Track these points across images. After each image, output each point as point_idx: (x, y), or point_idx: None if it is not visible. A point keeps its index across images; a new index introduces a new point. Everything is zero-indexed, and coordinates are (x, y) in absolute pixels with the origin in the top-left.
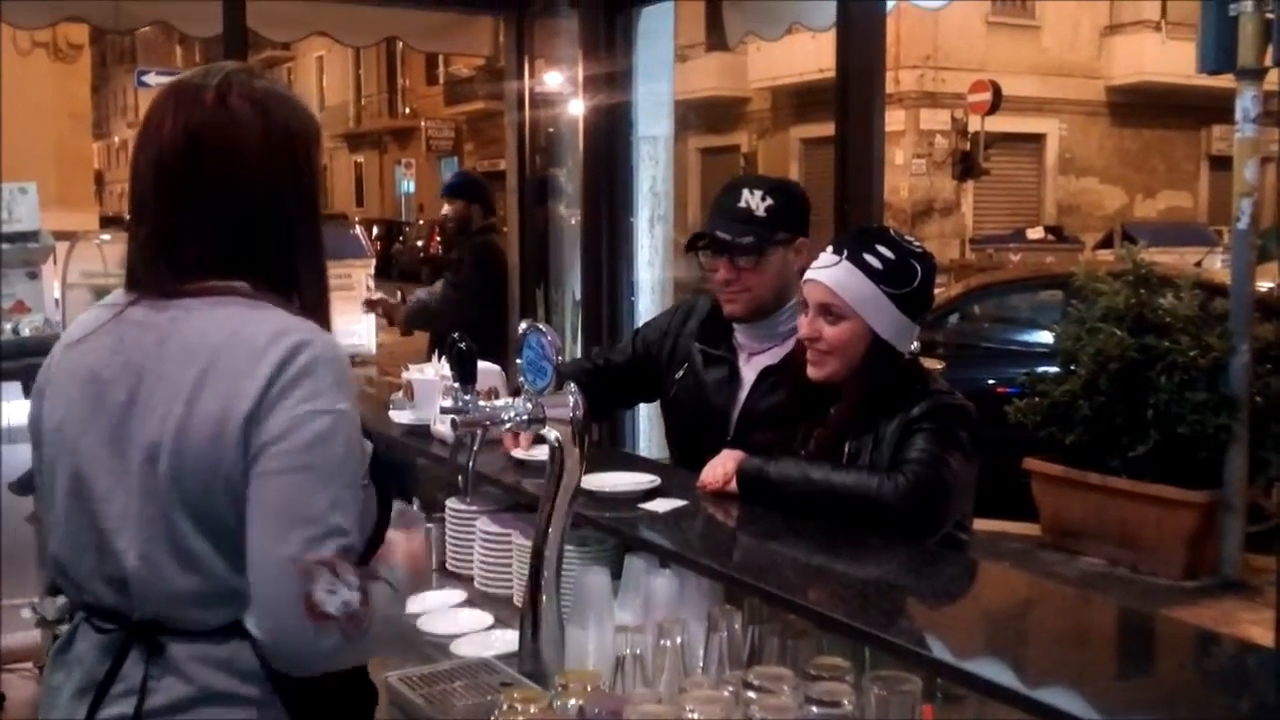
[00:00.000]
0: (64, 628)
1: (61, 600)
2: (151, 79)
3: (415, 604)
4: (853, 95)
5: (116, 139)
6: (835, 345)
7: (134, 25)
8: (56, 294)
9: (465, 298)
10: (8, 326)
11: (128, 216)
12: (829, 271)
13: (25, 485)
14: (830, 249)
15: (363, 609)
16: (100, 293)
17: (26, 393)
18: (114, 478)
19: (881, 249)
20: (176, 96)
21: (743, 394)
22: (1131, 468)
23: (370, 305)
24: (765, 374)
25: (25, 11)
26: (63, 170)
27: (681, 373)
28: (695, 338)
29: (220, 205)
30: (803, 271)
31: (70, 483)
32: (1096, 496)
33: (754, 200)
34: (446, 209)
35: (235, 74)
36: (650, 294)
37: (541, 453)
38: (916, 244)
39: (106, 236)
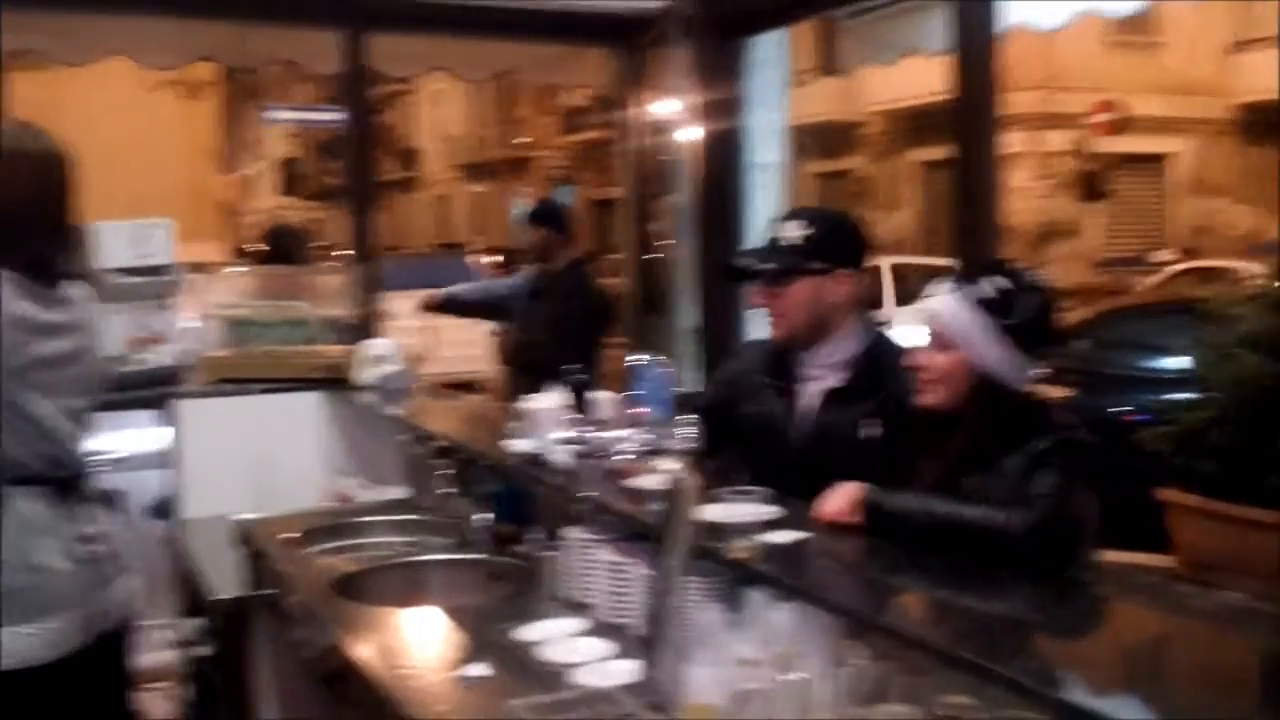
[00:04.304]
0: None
1: (198, 622)
2: (278, 114)
3: (535, 631)
4: (969, 118)
5: (246, 172)
6: (939, 374)
7: (260, 63)
8: (188, 324)
9: (570, 330)
10: (143, 357)
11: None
12: (937, 301)
13: (160, 511)
14: (949, 280)
15: None
16: (233, 323)
17: (165, 420)
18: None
19: (994, 280)
20: None
21: (806, 419)
22: (1271, 498)
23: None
24: (829, 397)
25: (156, 51)
26: (192, 204)
27: (752, 407)
28: (761, 372)
29: None
30: (853, 302)
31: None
32: (1235, 528)
33: (790, 230)
34: (528, 236)
35: None
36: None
37: (660, 482)
38: (1035, 277)
39: (239, 269)
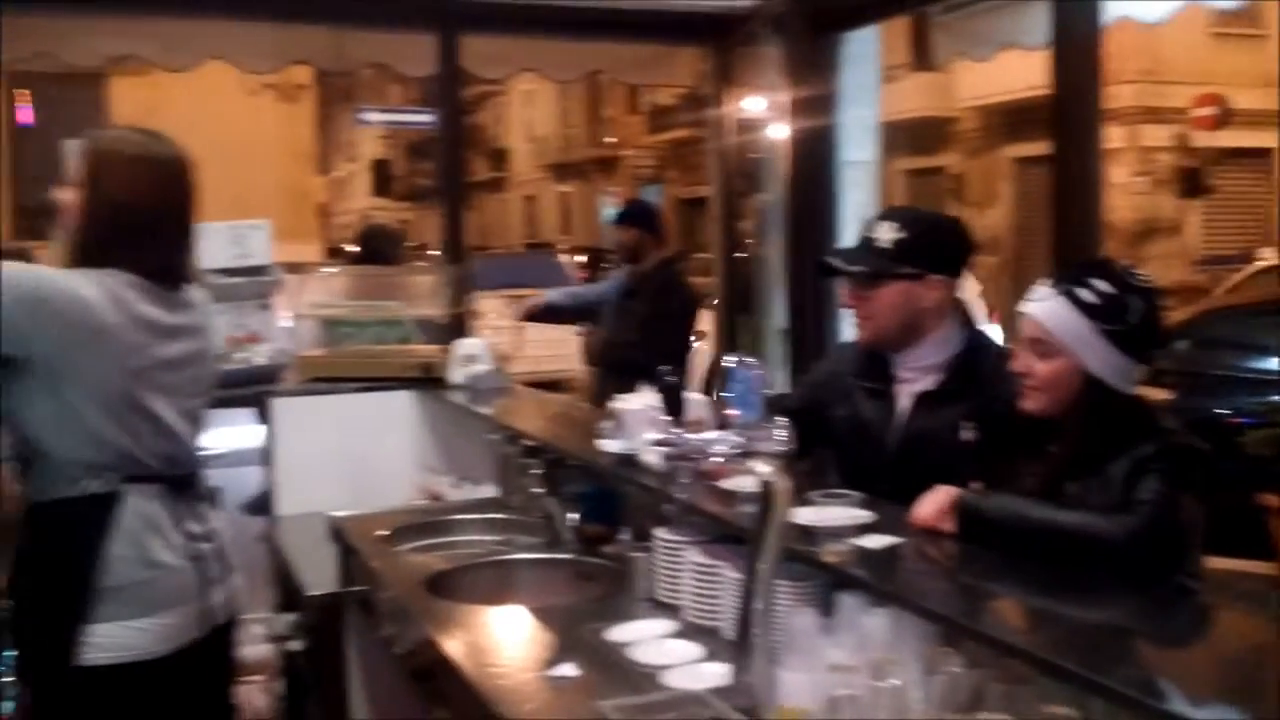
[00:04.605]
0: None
1: (292, 617)
2: (371, 116)
3: (624, 632)
4: (1068, 114)
5: (338, 173)
6: (1045, 381)
7: (354, 66)
8: (285, 323)
9: (660, 330)
10: (241, 356)
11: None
12: (1040, 305)
13: (256, 507)
14: (1049, 282)
15: None
16: (327, 323)
17: (262, 418)
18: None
19: (1098, 283)
20: None
21: (900, 422)
22: None
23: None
24: (923, 399)
25: (254, 56)
26: (288, 204)
27: (844, 409)
28: (854, 374)
29: None
30: (945, 307)
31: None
32: None
33: (882, 231)
34: (619, 236)
35: None
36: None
37: (751, 484)
38: (1142, 278)
39: (332, 269)
